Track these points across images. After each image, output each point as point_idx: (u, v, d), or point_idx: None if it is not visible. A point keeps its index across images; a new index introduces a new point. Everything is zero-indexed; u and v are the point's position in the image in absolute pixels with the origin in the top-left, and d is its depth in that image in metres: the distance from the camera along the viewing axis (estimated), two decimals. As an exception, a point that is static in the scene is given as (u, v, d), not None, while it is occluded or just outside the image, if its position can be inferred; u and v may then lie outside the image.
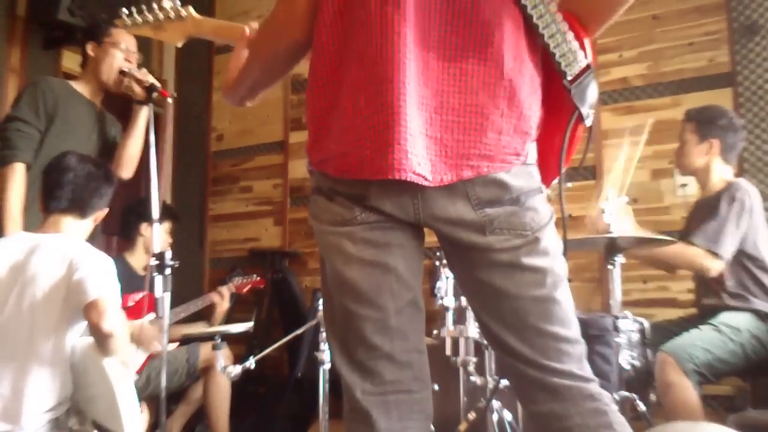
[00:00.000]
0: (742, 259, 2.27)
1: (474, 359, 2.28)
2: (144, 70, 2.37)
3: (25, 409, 1.64)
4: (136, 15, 1.53)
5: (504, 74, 1.00)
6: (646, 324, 2.28)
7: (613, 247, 2.29)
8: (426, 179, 1.00)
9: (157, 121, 2.23)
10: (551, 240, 1.05)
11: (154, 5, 1.51)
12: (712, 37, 3.17)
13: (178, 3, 1.50)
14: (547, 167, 1.10)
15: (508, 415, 2.21)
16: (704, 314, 2.29)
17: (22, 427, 1.63)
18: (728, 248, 2.21)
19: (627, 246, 2.38)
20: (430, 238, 1.11)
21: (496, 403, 2.19)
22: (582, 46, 1.05)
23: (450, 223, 1.03)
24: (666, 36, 3.26)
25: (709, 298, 2.35)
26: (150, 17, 1.52)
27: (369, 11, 1.02)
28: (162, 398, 1.97)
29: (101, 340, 1.68)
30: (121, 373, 1.73)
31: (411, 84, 0.99)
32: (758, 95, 3.05)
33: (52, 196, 1.88)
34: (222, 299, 3.02)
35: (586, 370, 1.04)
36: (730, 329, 2.14)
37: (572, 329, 1.05)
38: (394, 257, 1.06)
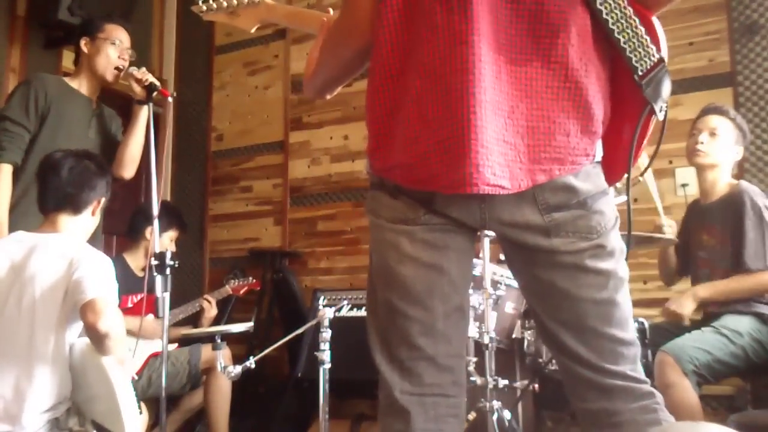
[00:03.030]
0: None
1: (474, 359, 2.28)
2: (144, 70, 2.36)
3: (25, 409, 1.64)
4: (211, 1, 1.53)
5: (569, 76, 1.00)
6: (647, 324, 2.28)
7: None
8: (503, 188, 0.99)
9: (157, 121, 2.23)
10: (616, 242, 1.05)
11: None
12: (712, 37, 3.16)
13: None
14: (615, 162, 1.09)
15: (508, 415, 2.20)
16: (705, 316, 2.29)
17: (22, 427, 1.63)
18: None
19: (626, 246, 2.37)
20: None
21: (496, 403, 2.19)
22: (655, 40, 1.05)
23: (516, 227, 1.03)
24: (666, 36, 3.23)
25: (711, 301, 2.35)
26: (224, 3, 1.52)
27: (434, 20, 1.01)
28: (162, 398, 1.97)
29: (97, 340, 1.67)
30: (121, 373, 1.72)
31: (486, 93, 0.98)
32: (758, 95, 3.05)
33: (43, 197, 1.89)
34: (210, 306, 3.04)
35: (639, 372, 1.06)
36: (731, 332, 2.13)
37: (629, 331, 1.06)
38: (450, 261, 1.07)
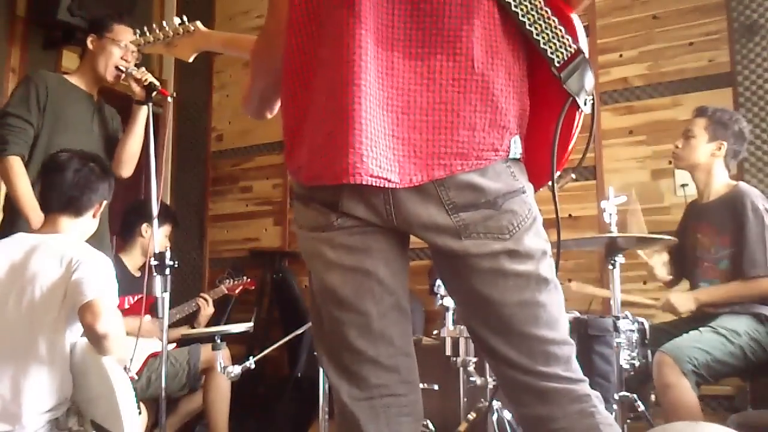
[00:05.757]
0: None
1: (474, 359, 2.27)
2: (143, 69, 2.37)
3: (25, 409, 1.64)
4: (148, 34, 1.57)
5: (475, 68, 0.98)
6: (646, 324, 2.28)
7: (613, 248, 2.29)
8: (390, 181, 0.97)
9: (157, 120, 2.23)
10: (534, 242, 1.02)
11: (164, 23, 1.54)
12: (712, 37, 3.16)
13: (186, 19, 1.52)
14: (543, 162, 1.05)
15: (508, 416, 2.20)
16: (703, 316, 2.29)
17: (21, 427, 1.63)
18: None
19: (627, 246, 2.38)
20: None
21: (496, 404, 2.19)
22: (571, 31, 1.01)
23: (424, 228, 1.01)
24: (666, 36, 3.26)
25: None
26: (161, 35, 1.55)
27: (329, 18, 1.01)
28: (161, 399, 1.97)
29: (96, 341, 1.68)
30: (121, 373, 1.73)
31: (370, 86, 0.97)
32: (758, 95, 3.05)
33: (46, 198, 1.91)
34: (206, 304, 3.03)
35: (574, 371, 1.03)
36: (729, 332, 2.13)
37: (559, 331, 1.03)
38: (375, 261, 1.05)
